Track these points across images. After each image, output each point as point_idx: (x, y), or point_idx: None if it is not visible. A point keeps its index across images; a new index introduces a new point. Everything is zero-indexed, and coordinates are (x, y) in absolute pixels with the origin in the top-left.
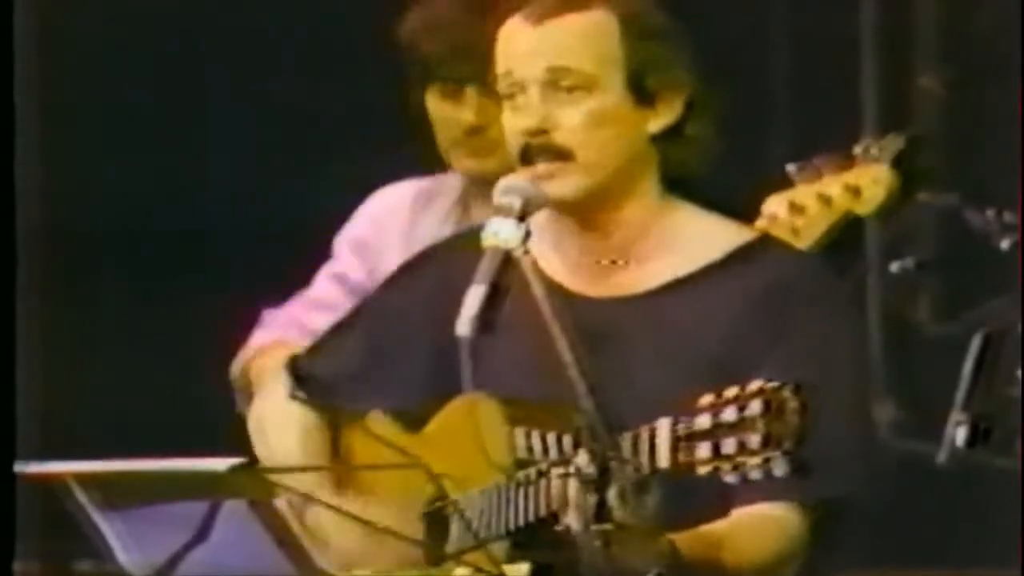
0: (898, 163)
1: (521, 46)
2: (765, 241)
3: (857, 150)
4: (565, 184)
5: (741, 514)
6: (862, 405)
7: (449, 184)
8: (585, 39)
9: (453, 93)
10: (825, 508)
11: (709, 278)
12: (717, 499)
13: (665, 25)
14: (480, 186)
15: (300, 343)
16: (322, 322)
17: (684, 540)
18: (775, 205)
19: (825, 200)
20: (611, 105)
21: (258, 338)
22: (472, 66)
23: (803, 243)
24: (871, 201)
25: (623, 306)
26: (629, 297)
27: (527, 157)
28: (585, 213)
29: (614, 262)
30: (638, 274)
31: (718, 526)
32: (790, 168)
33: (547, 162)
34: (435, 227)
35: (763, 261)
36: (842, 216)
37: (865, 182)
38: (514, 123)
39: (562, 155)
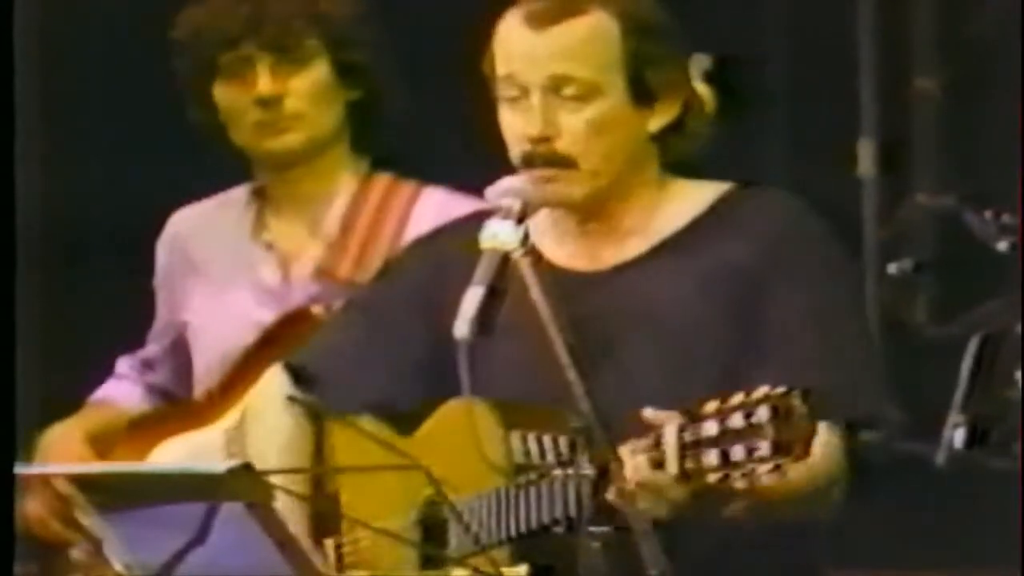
0: (709, 81)
1: (522, 50)
2: (746, 187)
3: None
4: (567, 189)
5: None
6: (866, 330)
7: (234, 197)
8: (587, 45)
9: (241, 71)
10: (851, 435)
11: (697, 231)
12: None
13: (664, 22)
14: (277, 172)
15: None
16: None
17: None
18: None
19: None
20: (613, 109)
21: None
22: (264, 36)
23: None
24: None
25: (616, 275)
26: (621, 265)
27: (529, 162)
28: (586, 211)
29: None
30: (630, 244)
31: None
32: None
33: (549, 169)
34: (222, 242)
35: (749, 204)
36: None
37: None
38: (516, 127)
39: (564, 163)
